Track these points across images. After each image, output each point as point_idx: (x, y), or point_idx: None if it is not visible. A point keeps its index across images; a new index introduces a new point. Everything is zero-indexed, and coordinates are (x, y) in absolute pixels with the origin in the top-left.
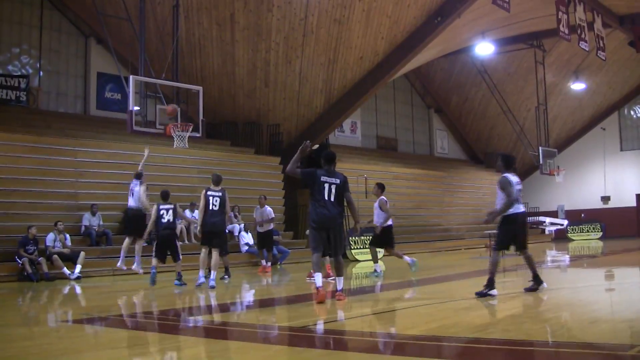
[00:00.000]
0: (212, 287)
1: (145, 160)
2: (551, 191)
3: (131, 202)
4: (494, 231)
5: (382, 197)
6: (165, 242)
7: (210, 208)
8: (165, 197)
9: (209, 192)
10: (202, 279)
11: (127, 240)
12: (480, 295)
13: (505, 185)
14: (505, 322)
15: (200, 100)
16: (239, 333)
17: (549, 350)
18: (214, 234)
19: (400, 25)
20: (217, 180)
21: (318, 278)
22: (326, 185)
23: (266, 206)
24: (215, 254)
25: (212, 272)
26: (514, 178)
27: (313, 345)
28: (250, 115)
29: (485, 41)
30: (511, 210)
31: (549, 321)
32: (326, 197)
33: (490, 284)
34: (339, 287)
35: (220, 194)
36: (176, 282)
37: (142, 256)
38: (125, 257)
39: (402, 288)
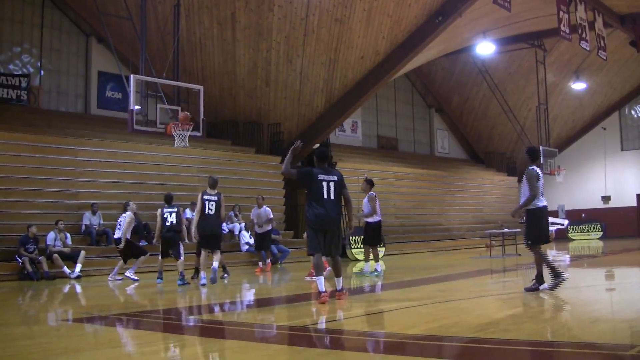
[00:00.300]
0: (213, 282)
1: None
2: (552, 191)
3: (117, 234)
4: (494, 231)
5: (372, 192)
6: (168, 243)
7: (206, 212)
8: (168, 200)
9: (205, 196)
10: (204, 280)
11: (121, 262)
12: (552, 288)
13: (531, 178)
14: (505, 321)
15: (201, 100)
16: (238, 332)
17: (549, 350)
18: (211, 237)
19: (401, 25)
20: (213, 184)
21: (321, 283)
22: (324, 184)
23: (264, 206)
24: (217, 253)
25: (214, 263)
26: (540, 171)
27: (312, 344)
28: (251, 115)
29: (486, 41)
30: (539, 204)
31: (549, 321)
32: (325, 196)
33: (557, 274)
34: (339, 286)
35: (215, 198)
36: (179, 281)
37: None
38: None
39: (402, 287)
